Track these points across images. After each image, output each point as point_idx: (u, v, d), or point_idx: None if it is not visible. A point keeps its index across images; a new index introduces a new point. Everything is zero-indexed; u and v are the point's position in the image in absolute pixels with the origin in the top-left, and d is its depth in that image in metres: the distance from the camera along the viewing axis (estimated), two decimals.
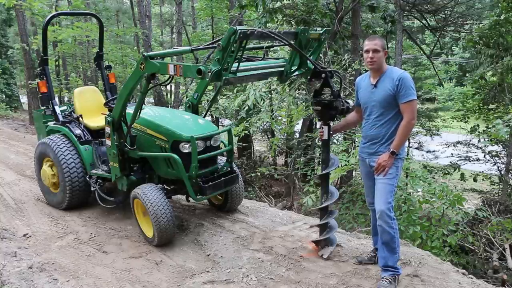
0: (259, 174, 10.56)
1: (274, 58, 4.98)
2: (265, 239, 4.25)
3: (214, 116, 12.77)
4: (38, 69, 5.40)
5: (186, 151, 4.03)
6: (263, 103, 8.53)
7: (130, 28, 16.54)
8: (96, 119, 5.13)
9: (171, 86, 18.51)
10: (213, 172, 4.39)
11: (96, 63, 6.12)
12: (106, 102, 4.77)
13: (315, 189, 6.61)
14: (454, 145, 12.58)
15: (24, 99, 22.69)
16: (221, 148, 4.51)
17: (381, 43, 3.22)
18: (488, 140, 9.19)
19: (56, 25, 12.94)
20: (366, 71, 3.47)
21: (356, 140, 7.29)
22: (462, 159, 12.23)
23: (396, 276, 3.32)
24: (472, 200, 9.75)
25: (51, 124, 5.30)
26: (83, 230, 4.49)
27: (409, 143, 15.41)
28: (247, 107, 7.85)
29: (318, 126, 7.39)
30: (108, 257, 3.93)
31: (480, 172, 10.26)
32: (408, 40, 13.81)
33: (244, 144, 13.24)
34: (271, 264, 3.74)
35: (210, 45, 3.21)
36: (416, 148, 16.47)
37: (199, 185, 4.09)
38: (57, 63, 17.20)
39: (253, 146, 15.16)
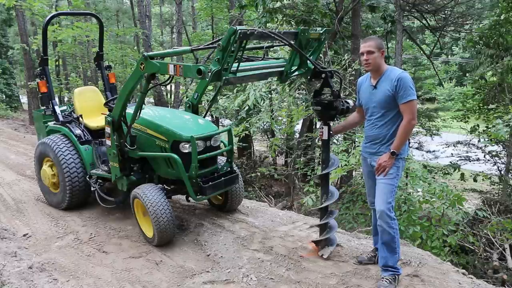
0: (259, 174, 10.56)
1: (274, 58, 4.98)
2: (265, 239, 4.25)
3: (214, 116, 12.77)
4: (38, 69, 5.40)
5: (186, 151, 4.03)
6: (263, 103, 8.54)
7: (130, 28, 16.55)
8: (96, 119, 5.12)
9: (171, 86, 18.51)
10: (213, 172, 4.38)
11: (96, 63, 6.12)
12: (106, 102, 4.77)
13: (315, 189, 6.60)
14: (454, 145, 12.57)
15: (24, 99, 22.71)
16: (221, 148, 4.51)
17: (375, 43, 3.21)
18: (488, 140, 9.18)
19: (56, 25, 12.93)
20: (367, 71, 3.47)
21: (356, 140, 7.29)
22: (462, 159, 12.23)
23: (396, 276, 3.33)
24: (472, 200, 9.76)
25: (51, 124, 5.30)
26: (83, 230, 4.49)
27: (409, 143, 15.37)
28: (247, 107, 7.85)
29: (318, 126, 7.40)
30: (108, 257, 3.93)
31: (480, 172, 10.25)
32: (408, 40, 13.81)
33: (244, 144, 13.25)
34: (271, 264, 3.74)
35: (210, 45, 3.20)
36: (416, 148, 16.46)
37: (199, 185, 4.08)
38: (57, 63, 17.21)
39: (253, 146, 15.17)
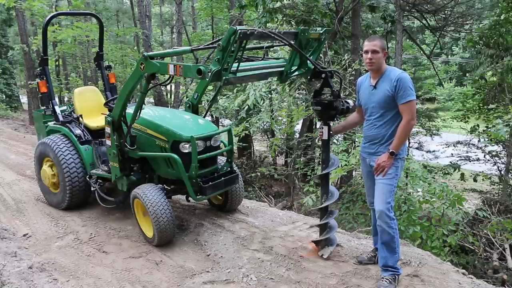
0: (259, 174, 10.56)
1: (274, 58, 4.98)
2: (265, 239, 4.25)
3: (214, 116, 12.77)
4: (38, 69, 5.40)
5: (186, 151, 4.03)
6: (263, 103, 8.54)
7: (130, 28, 16.55)
8: (96, 119, 5.13)
9: (171, 86, 18.51)
10: (213, 172, 4.38)
11: (96, 63, 6.12)
12: (106, 102, 4.77)
13: (315, 189, 6.61)
14: (454, 145, 12.58)
15: (24, 99, 22.72)
16: (221, 148, 4.51)
17: (381, 43, 3.22)
18: (488, 140, 9.18)
19: (56, 25, 12.93)
20: (367, 71, 3.47)
21: (356, 140, 7.29)
22: (462, 159, 12.23)
23: (396, 276, 3.33)
24: (472, 200, 9.76)
25: (51, 124, 5.30)
26: (83, 230, 4.49)
27: (409, 143, 15.42)
28: (247, 107, 7.85)
29: (318, 126, 7.40)
30: (108, 257, 3.93)
31: (480, 172, 10.25)
32: (408, 40, 13.81)
33: (244, 144, 13.25)
34: (271, 264, 3.74)
35: (210, 45, 3.20)
36: (416, 148, 16.47)
37: (199, 185, 4.08)
38: (57, 63, 17.22)
39: (253, 146, 15.17)
